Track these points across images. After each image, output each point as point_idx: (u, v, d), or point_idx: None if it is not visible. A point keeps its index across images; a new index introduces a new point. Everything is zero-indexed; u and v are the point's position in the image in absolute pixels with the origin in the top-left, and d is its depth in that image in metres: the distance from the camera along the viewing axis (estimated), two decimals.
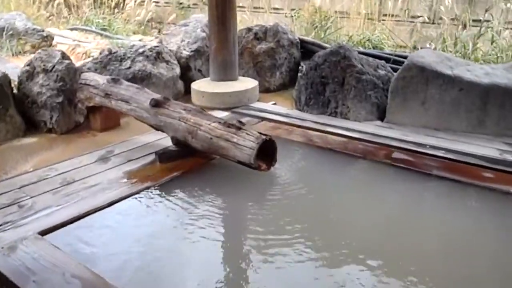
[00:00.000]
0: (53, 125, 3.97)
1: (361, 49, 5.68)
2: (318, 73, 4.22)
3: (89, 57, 5.48)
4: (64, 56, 4.04)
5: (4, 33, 5.90)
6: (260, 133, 3.05)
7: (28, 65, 4.03)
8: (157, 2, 9.99)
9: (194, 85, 4.74)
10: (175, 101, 3.51)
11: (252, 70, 5.17)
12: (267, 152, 3.06)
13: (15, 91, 4.05)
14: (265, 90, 5.09)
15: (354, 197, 3.00)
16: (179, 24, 5.45)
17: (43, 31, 6.17)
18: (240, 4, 7.93)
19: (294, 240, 2.52)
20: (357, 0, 7.31)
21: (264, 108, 4.48)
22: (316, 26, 7.06)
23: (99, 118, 4.03)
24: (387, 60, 4.65)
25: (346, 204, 2.93)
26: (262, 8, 8.51)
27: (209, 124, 3.17)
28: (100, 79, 3.85)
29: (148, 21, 9.06)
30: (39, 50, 4.12)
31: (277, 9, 8.30)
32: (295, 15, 7.76)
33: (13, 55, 5.82)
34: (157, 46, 4.80)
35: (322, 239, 2.53)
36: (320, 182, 3.21)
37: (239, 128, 3.08)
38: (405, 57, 4.32)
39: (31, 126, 4.06)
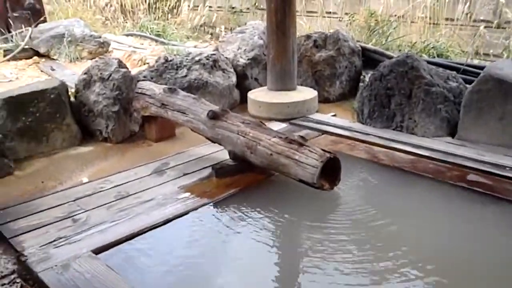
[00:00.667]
0: (108, 134, 3.91)
1: (426, 57, 5.37)
2: (383, 84, 3.97)
3: (144, 64, 5.43)
4: (120, 64, 3.97)
5: (65, 39, 5.94)
6: (324, 150, 2.84)
7: (85, 73, 3.99)
8: (210, 7, 9.97)
9: (251, 95, 4.58)
10: (234, 113, 3.35)
11: (311, 79, 4.96)
12: (329, 169, 2.85)
13: (72, 99, 4.01)
14: (324, 100, 4.87)
15: (424, 225, 2.72)
16: (235, 31, 5.31)
17: (100, 37, 6.18)
18: None
19: (354, 270, 2.31)
20: (415, 4, 6.98)
21: (324, 120, 4.26)
22: (375, 31, 6.78)
23: (155, 128, 3.93)
24: (457, 70, 4.32)
25: (415, 232, 2.65)
26: (316, 12, 8.30)
27: (269, 139, 2.99)
28: (156, 89, 3.76)
29: (200, 25, 9.02)
30: (96, 58, 4.08)
31: (330, 13, 8.06)
32: (349, 20, 7.51)
33: (71, 61, 5.85)
34: (214, 54, 4.67)
35: (386, 270, 2.30)
36: (387, 206, 2.95)
37: (301, 144, 2.88)
38: (480, 68, 4.00)
39: (87, 134, 4.01)
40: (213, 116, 3.27)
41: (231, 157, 3.26)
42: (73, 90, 4.12)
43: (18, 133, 3.58)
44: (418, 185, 3.13)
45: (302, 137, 2.99)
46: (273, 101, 4.38)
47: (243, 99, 4.78)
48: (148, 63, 5.37)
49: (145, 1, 9.39)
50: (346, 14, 7.80)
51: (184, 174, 3.27)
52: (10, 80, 5.16)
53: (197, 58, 4.52)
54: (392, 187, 3.18)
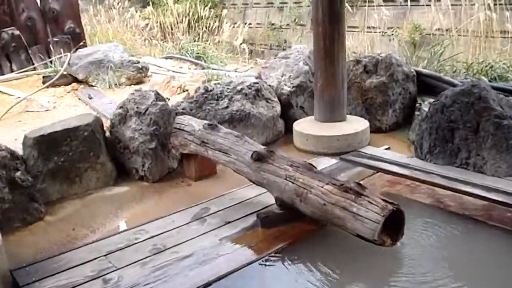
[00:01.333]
0: (145, 173, 3.64)
1: (485, 80, 4.90)
2: (446, 116, 3.56)
3: (183, 91, 5.18)
4: (158, 97, 3.71)
5: (103, 65, 5.79)
6: (385, 201, 2.47)
7: (121, 107, 3.75)
8: (249, 24, 9.76)
9: (297, 126, 4.24)
10: (281, 153, 3.02)
11: (361, 107, 4.58)
12: (390, 220, 2.46)
13: (107, 133, 3.78)
14: (375, 130, 4.46)
15: None
16: (279, 56, 4.99)
17: (138, 62, 5.99)
18: None
19: None
20: (464, 17, 6.50)
21: (378, 155, 3.87)
22: (423, 49, 6.33)
23: (194, 166, 3.64)
24: None
25: None
26: (357, 27, 7.92)
27: (322, 187, 2.64)
28: (195, 124, 3.47)
29: (240, 43, 8.80)
30: (133, 91, 3.84)
31: (372, 28, 7.66)
32: (393, 35, 7.08)
33: (109, 87, 5.68)
34: (257, 83, 4.36)
35: None
36: (460, 267, 2.52)
37: (359, 194, 2.52)
38: None
39: (123, 172, 3.75)
40: (258, 158, 2.95)
41: (277, 204, 2.92)
42: (109, 123, 3.89)
43: (49, 174, 3.35)
44: (495, 240, 2.70)
45: (359, 184, 2.62)
46: (321, 133, 4.03)
47: (288, 130, 4.44)
48: (187, 90, 5.12)
49: (184, 22, 9.27)
50: (389, 28, 7.39)
51: (226, 223, 2.95)
52: (47, 110, 5.01)
53: (239, 88, 4.22)
54: (463, 241, 2.75)
